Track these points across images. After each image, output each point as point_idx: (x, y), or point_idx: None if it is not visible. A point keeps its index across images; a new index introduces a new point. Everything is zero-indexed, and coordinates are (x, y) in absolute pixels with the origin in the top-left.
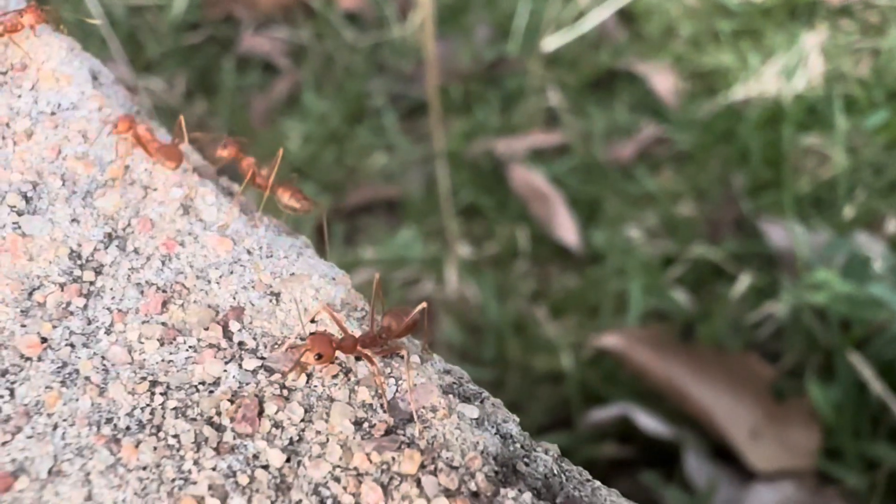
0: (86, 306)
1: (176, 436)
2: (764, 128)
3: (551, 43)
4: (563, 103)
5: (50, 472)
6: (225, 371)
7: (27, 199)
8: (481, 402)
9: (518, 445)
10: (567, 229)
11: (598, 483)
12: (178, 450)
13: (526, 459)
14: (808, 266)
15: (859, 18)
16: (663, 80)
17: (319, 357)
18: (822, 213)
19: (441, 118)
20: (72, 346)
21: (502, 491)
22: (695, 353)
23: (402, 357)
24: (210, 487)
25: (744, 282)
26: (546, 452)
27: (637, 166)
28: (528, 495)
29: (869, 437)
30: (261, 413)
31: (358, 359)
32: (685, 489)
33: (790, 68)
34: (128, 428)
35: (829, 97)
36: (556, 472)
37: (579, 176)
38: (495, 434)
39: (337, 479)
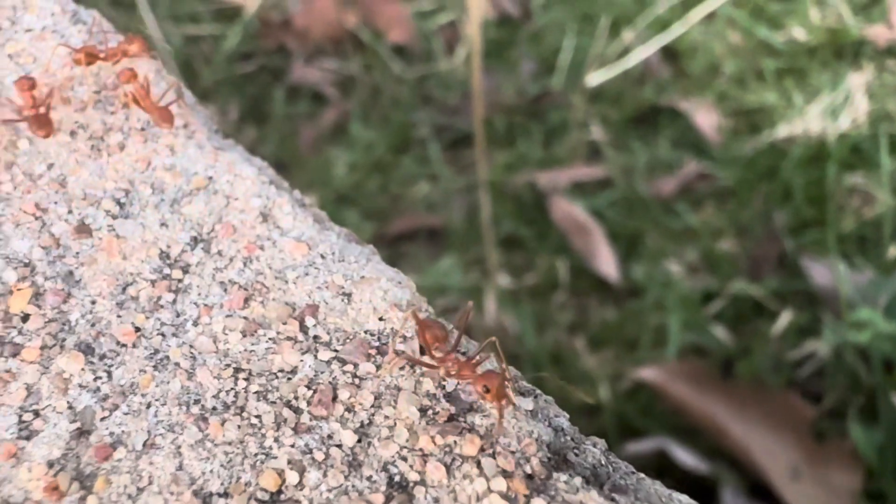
0: (175, 301)
1: (258, 416)
2: (807, 166)
3: (595, 78)
4: (605, 137)
5: (144, 444)
6: (302, 361)
7: (120, 205)
8: (535, 397)
9: (568, 438)
10: (607, 262)
11: (642, 475)
12: (259, 428)
13: (576, 451)
14: (850, 305)
15: None
16: (706, 117)
17: (487, 391)
18: (865, 253)
19: (485, 149)
20: (162, 335)
21: (555, 475)
22: (734, 390)
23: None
24: (289, 462)
25: (785, 319)
26: (594, 445)
27: (679, 201)
28: (578, 479)
29: None
30: (334, 398)
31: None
32: None
33: (835, 107)
34: (214, 408)
35: (875, 137)
36: (603, 462)
37: (620, 210)
38: (548, 426)
39: (404, 459)
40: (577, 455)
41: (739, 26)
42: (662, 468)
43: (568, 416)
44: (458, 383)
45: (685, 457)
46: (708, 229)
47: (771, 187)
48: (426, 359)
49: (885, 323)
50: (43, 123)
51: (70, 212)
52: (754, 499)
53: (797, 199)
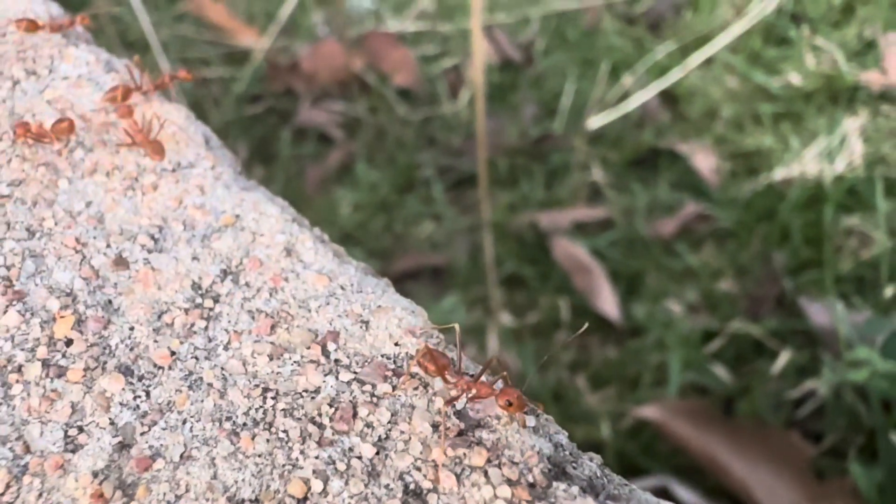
0: (207, 327)
1: (285, 431)
2: (805, 208)
3: (596, 121)
4: (606, 179)
5: (181, 456)
6: (324, 381)
7: (154, 240)
8: (537, 416)
9: (567, 452)
10: (608, 302)
11: (635, 486)
12: (286, 442)
13: (574, 464)
14: (848, 344)
15: None
16: (705, 160)
17: (510, 405)
18: (863, 293)
19: (488, 190)
20: (196, 358)
21: (554, 484)
22: (735, 428)
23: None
24: (314, 472)
25: (784, 358)
26: (591, 460)
27: (678, 242)
28: (576, 489)
29: None
30: (355, 415)
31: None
32: None
33: (831, 151)
34: (244, 424)
35: (870, 179)
36: (599, 475)
37: (621, 250)
38: (549, 441)
39: (418, 469)
40: (574, 468)
41: (737, 71)
42: None
43: (567, 433)
44: (467, 403)
45: (687, 495)
46: (707, 270)
47: (769, 228)
48: (441, 380)
49: (882, 362)
50: (158, 149)
51: (108, 246)
52: None
53: (795, 240)
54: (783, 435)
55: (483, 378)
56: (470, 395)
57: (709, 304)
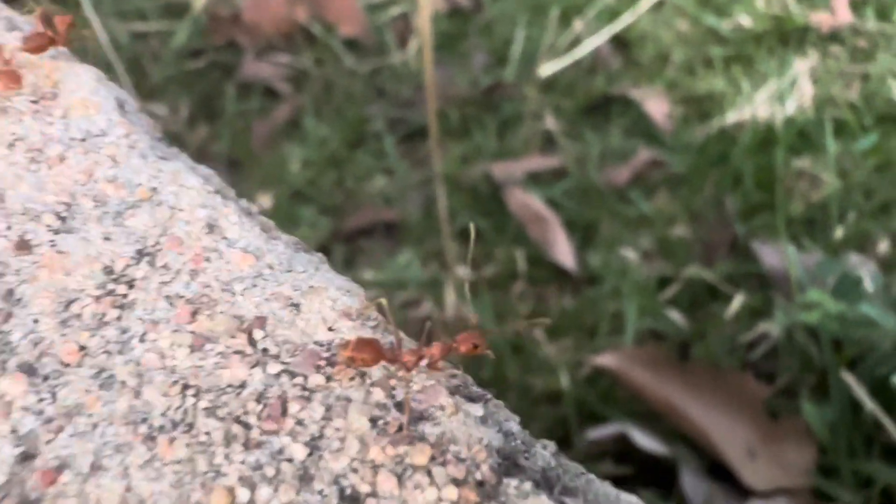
0: (120, 317)
1: (207, 433)
2: (756, 151)
3: (547, 69)
4: (559, 128)
5: (91, 466)
6: (251, 374)
7: (62, 219)
8: (485, 402)
9: (519, 441)
10: (564, 251)
11: (591, 476)
12: (209, 445)
13: (526, 454)
14: (800, 287)
15: (849, 44)
16: (657, 105)
17: (476, 347)
18: (814, 235)
19: (439, 142)
20: (108, 353)
21: (505, 480)
22: (690, 373)
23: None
24: (240, 479)
25: (738, 302)
26: (544, 448)
27: (632, 189)
28: (528, 484)
29: (863, 456)
30: (284, 412)
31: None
32: None
33: (782, 93)
34: (162, 427)
35: (820, 121)
36: (553, 465)
37: (576, 199)
38: (498, 431)
39: (355, 471)
40: (527, 459)
41: (687, 14)
42: (623, 453)
43: (518, 419)
44: (409, 389)
45: (645, 441)
46: (661, 216)
47: (722, 173)
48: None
49: (833, 303)
50: (13, 78)
51: (9, 227)
52: (713, 479)
53: (747, 184)
54: (737, 377)
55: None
56: (428, 363)
57: (663, 250)
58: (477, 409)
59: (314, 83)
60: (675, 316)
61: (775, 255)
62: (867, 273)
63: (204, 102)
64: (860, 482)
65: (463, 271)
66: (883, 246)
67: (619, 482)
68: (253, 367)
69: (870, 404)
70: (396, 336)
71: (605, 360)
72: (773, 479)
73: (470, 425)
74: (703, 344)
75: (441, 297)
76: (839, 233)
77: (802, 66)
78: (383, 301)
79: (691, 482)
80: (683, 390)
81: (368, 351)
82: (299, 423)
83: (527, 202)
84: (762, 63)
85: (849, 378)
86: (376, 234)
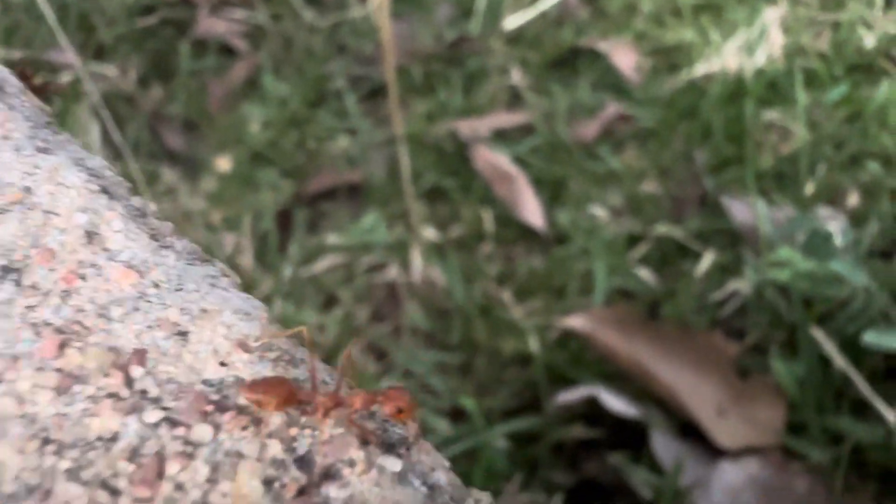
0: None
1: (66, 502)
2: (726, 104)
3: (513, 21)
4: (525, 82)
5: None
6: (124, 424)
7: None
8: (407, 450)
9: (447, 497)
10: (532, 210)
11: None
12: None
13: None
14: (770, 243)
15: None
16: (625, 57)
17: (400, 412)
18: (784, 189)
19: (400, 100)
20: None
21: None
22: (660, 332)
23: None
24: None
25: (707, 259)
26: (477, 502)
27: (601, 145)
28: None
29: (833, 412)
30: (160, 474)
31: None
32: (653, 469)
33: (751, 43)
34: (12, 495)
35: (790, 72)
36: None
37: (543, 156)
38: (422, 485)
39: None
40: None
41: None
42: (593, 416)
43: (448, 465)
44: (313, 442)
45: (615, 403)
46: (631, 172)
47: (691, 126)
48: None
49: (802, 260)
50: None
51: None
52: (683, 439)
53: (717, 137)
54: (707, 336)
55: (342, 388)
56: (345, 414)
57: (633, 207)
58: (394, 464)
59: (272, 40)
60: (645, 274)
61: (745, 210)
62: (837, 227)
63: (157, 62)
64: (830, 439)
65: (429, 233)
66: (853, 199)
67: (591, 446)
68: (127, 414)
69: (839, 360)
70: (313, 373)
71: (574, 321)
72: (743, 437)
73: (385, 486)
74: (673, 302)
75: (407, 259)
76: (809, 187)
77: (773, 14)
78: (304, 329)
79: (662, 444)
80: (652, 350)
81: (278, 392)
82: (178, 487)
83: (493, 160)
84: (732, 11)
85: (818, 334)
86: (339, 196)
